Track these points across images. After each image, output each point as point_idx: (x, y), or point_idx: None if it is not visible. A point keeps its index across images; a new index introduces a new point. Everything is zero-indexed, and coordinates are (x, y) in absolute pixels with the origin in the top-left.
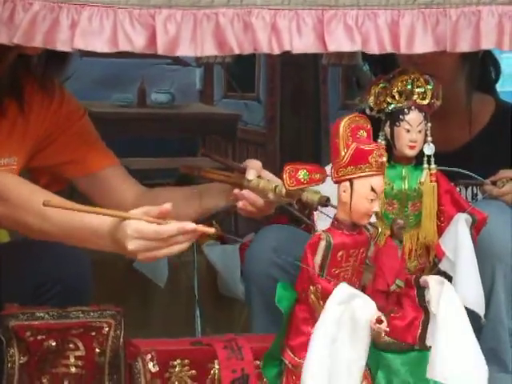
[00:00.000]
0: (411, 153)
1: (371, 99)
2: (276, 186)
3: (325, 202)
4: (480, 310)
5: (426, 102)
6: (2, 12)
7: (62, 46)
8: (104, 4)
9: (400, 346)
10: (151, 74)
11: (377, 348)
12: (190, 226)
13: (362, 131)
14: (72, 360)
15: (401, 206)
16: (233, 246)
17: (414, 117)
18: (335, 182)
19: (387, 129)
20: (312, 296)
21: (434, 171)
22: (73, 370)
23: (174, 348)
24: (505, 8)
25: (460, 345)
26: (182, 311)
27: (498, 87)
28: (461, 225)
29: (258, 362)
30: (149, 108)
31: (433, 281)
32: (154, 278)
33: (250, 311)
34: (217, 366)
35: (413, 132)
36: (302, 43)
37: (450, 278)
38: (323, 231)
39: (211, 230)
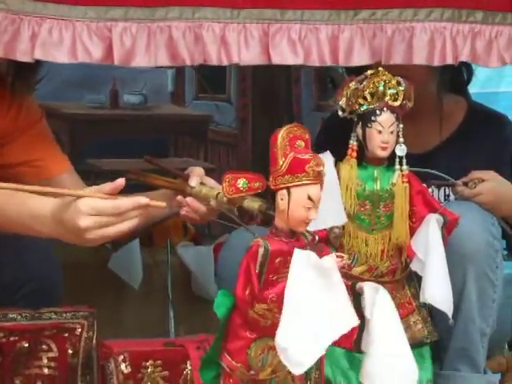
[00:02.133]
0: (383, 154)
1: (343, 100)
2: (218, 193)
3: (264, 209)
4: (448, 310)
5: (397, 103)
6: None
7: (22, 56)
8: (63, 17)
9: None
10: (123, 75)
11: (349, 349)
12: (144, 200)
13: (299, 141)
14: (45, 361)
15: (373, 207)
16: (207, 247)
17: (385, 118)
18: (273, 190)
19: (359, 130)
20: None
21: (405, 172)
22: (46, 371)
23: (147, 349)
24: (437, 25)
25: (391, 351)
26: (156, 312)
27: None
28: (432, 225)
29: None
30: (121, 109)
31: (367, 287)
32: (129, 279)
33: None
34: (189, 367)
35: (385, 133)
36: (249, 55)
37: (420, 278)
38: (261, 238)
39: (162, 204)
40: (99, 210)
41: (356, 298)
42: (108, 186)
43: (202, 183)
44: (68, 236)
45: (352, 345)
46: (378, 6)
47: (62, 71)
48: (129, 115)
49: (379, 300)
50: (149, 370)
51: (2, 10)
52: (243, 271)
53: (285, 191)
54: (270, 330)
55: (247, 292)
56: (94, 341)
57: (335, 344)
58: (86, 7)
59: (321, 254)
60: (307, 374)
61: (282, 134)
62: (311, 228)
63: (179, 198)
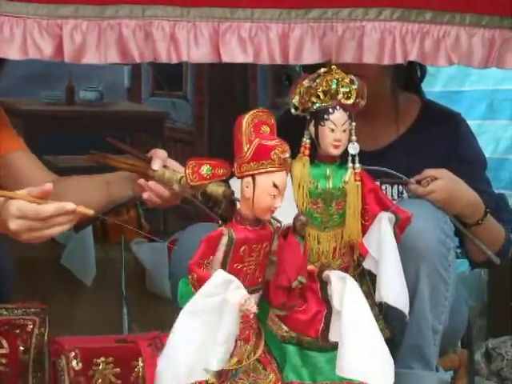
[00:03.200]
0: (336, 152)
1: (296, 98)
2: (181, 177)
3: (229, 195)
4: (403, 307)
5: (350, 101)
6: None
7: None
8: (14, 14)
9: (324, 345)
10: (79, 71)
11: (301, 346)
12: (70, 206)
13: (265, 126)
14: None
15: (325, 205)
16: (161, 244)
17: (338, 116)
18: (238, 178)
19: (312, 128)
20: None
21: (358, 170)
22: None
23: (98, 346)
24: (387, 24)
25: (366, 340)
26: (110, 309)
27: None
28: (384, 223)
29: None
30: (77, 106)
31: (334, 276)
32: (81, 275)
33: (176, 308)
34: (141, 364)
35: (337, 131)
36: (199, 53)
37: (374, 276)
38: (225, 226)
39: (90, 212)
40: (24, 213)
41: (323, 285)
42: (36, 190)
43: (165, 166)
44: (10, 233)
45: (317, 334)
46: (328, 5)
47: (17, 67)
48: (85, 111)
49: (348, 289)
50: (100, 366)
51: None
52: (199, 253)
53: (250, 179)
54: None
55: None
56: (46, 337)
57: (300, 332)
58: (37, 4)
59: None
60: (277, 360)
61: (246, 120)
62: None
63: (141, 181)
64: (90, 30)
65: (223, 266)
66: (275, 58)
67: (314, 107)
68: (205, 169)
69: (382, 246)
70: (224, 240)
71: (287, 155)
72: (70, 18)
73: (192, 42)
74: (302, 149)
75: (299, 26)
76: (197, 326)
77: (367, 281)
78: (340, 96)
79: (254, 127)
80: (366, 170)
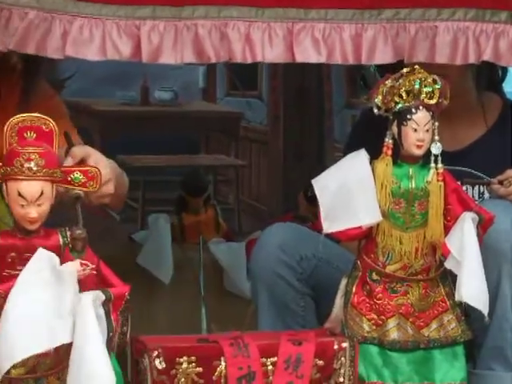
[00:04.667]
0: (418, 152)
1: (379, 98)
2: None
3: (74, 198)
4: (484, 308)
5: (433, 101)
6: None
7: (53, 53)
8: (93, 15)
9: (405, 346)
10: (154, 72)
11: (382, 346)
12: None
13: (31, 132)
14: None
15: (407, 205)
16: (239, 244)
17: (421, 116)
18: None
19: (394, 128)
20: None
21: (440, 170)
22: None
23: (181, 345)
24: (460, 24)
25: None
26: (188, 308)
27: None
28: (467, 223)
29: (265, 360)
30: (152, 106)
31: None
32: (159, 274)
33: (256, 308)
34: (223, 363)
35: (420, 131)
36: (273, 53)
37: (455, 277)
38: None
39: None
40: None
41: None
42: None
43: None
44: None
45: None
46: (401, 6)
47: (92, 68)
48: (160, 112)
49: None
50: (183, 366)
51: (35, 8)
52: None
53: (4, 185)
54: None
55: None
56: (128, 336)
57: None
58: (116, 6)
59: (64, 260)
60: None
61: (9, 123)
62: (345, 225)
63: None
64: (166, 31)
65: None
66: (348, 59)
67: (397, 107)
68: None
69: (464, 246)
70: None
71: (31, 165)
72: (148, 18)
73: (266, 43)
74: (385, 149)
75: (372, 27)
76: (30, 301)
77: (449, 281)
78: (423, 96)
79: (17, 132)
80: (448, 170)
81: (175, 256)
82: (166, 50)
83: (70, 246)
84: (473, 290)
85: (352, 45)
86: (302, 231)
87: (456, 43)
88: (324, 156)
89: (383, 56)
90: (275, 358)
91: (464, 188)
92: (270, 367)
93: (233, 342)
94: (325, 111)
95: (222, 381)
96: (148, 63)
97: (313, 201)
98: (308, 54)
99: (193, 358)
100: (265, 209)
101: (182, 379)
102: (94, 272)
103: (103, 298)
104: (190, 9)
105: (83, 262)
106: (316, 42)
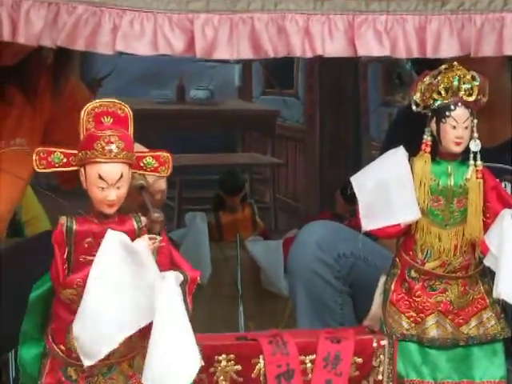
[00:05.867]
0: (457, 149)
1: (417, 95)
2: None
3: (139, 188)
4: None
5: (472, 98)
6: (47, 15)
7: (103, 48)
8: (144, 9)
9: (444, 343)
10: (190, 70)
11: (421, 344)
12: None
13: (107, 117)
14: None
15: (446, 203)
16: (276, 242)
17: (460, 113)
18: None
19: (433, 125)
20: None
21: (480, 168)
22: None
23: (220, 343)
24: None
25: None
26: (225, 306)
27: None
28: (506, 221)
29: (304, 357)
30: (188, 104)
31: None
32: None
33: (293, 306)
34: (262, 361)
35: (459, 128)
36: (334, 47)
37: (494, 274)
38: (68, 216)
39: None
40: None
41: None
42: None
43: None
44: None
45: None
46: None
47: (128, 67)
48: (196, 110)
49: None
50: (222, 364)
51: (83, 2)
52: (56, 262)
53: (82, 169)
54: None
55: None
56: None
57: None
58: None
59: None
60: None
61: (85, 109)
62: (384, 223)
63: None
64: (221, 25)
65: (68, 258)
66: (412, 52)
67: (436, 104)
68: (55, 156)
69: (503, 243)
70: (63, 230)
71: (112, 147)
72: (202, 12)
73: (326, 36)
74: (423, 146)
75: (436, 18)
76: (113, 283)
77: (488, 279)
78: (462, 93)
79: (94, 117)
80: (487, 167)
81: (212, 254)
82: (221, 45)
83: (148, 229)
84: (510, 286)
85: (416, 38)
86: (339, 229)
87: None
88: (360, 154)
89: (449, 49)
90: (314, 356)
91: (503, 185)
92: (308, 365)
93: (271, 339)
94: (361, 109)
95: (261, 378)
96: (186, 61)
97: (350, 199)
98: (370, 47)
99: (231, 355)
100: (301, 207)
101: (221, 377)
102: (163, 244)
103: (182, 278)
104: (246, 1)
105: (151, 236)
106: (378, 35)
